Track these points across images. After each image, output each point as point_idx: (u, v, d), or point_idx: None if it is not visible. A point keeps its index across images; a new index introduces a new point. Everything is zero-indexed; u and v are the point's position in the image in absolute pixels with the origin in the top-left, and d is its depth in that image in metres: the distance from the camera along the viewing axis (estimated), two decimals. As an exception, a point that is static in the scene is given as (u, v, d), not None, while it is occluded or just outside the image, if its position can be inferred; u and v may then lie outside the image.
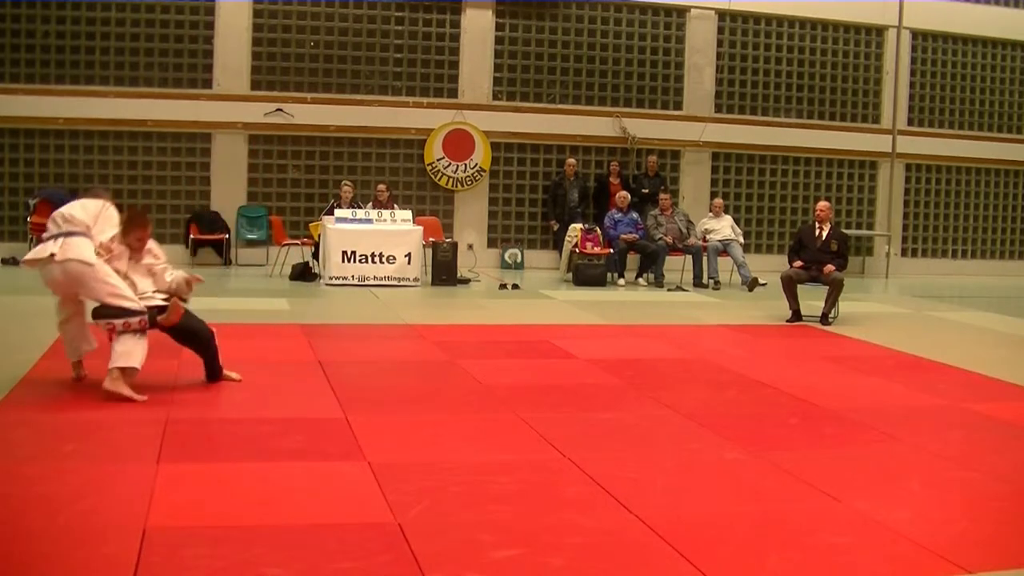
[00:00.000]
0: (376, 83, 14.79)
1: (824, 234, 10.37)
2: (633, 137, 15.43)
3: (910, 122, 16.69)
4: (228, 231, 14.22)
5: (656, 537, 3.84)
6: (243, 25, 14.22)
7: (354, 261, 11.99)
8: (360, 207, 12.80)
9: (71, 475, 4.37)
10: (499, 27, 15.12)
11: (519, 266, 15.08)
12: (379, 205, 13.04)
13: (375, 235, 12.13)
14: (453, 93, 15.01)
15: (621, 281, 13.32)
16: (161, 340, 7.77)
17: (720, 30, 15.83)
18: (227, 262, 14.22)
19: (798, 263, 10.28)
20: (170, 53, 14.06)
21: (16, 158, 13.87)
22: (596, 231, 13.36)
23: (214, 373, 6.32)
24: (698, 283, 13.36)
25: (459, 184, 15.05)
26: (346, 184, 13.03)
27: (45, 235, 5.98)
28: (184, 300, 6.17)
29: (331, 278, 11.97)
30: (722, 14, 15.77)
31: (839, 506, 4.30)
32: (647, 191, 14.59)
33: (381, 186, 13.45)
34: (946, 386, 6.99)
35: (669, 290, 12.84)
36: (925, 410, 6.29)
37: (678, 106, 15.80)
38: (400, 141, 14.92)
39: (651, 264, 13.55)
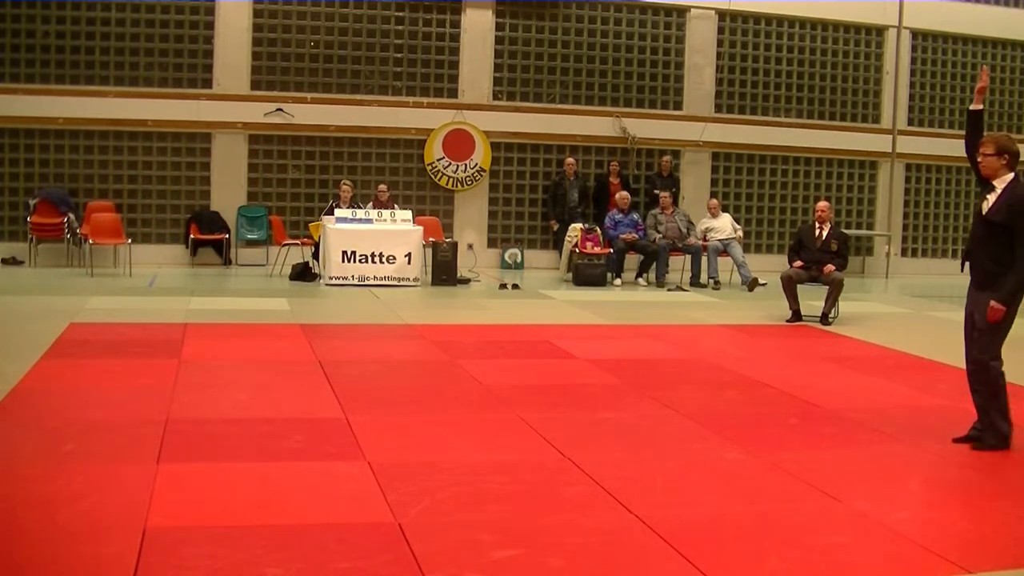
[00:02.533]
0: (376, 83, 14.79)
1: (824, 234, 10.36)
2: (633, 137, 15.43)
3: (910, 122, 16.68)
4: (228, 231, 14.22)
5: (656, 537, 3.84)
6: (243, 25, 14.21)
7: (354, 261, 11.99)
8: (360, 207, 12.80)
9: (71, 475, 4.37)
10: (499, 27, 15.11)
11: (519, 266, 15.08)
12: (379, 205, 13.04)
13: (375, 235, 12.12)
14: (453, 93, 15.01)
15: (618, 281, 13.32)
16: (162, 340, 7.78)
17: (720, 30, 15.82)
18: (227, 262, 14.21)
19: (798, 263, 10.28)
20: (170, 53, 14.06)
21: (16, 158, 13.86)
22: (596, 231, 13.36)
23: None
24: (695, 282, 13.36)
25: (459, 184, 15.05)
26: (345, 184, 13.02)
27: None
28: None
29: (331, 278, 11.97)
30: (722, 14, 15.77)
31: (839, 506, 4.30)
32: (658, 191, 14.56)
33: (382, 186, 13.45)
34: (946, 386, 6.98)
35: (669, 290, 12.84)
36: (925, 410, 6.29)
37: (678, 106, 15.80)
38: (400, 141, 14.91)
39: (651, 264, 13.56)
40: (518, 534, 3.83)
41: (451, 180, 15.00)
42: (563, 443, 5.12)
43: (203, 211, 14.23)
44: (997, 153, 5.20)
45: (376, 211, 12.64)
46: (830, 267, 10.11)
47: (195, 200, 14.33)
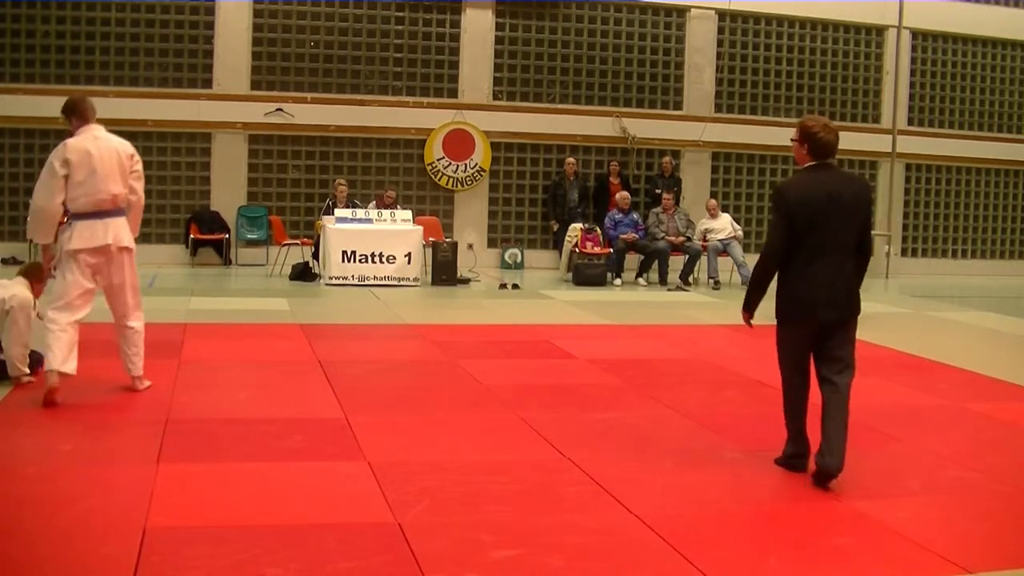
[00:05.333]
0: (376, 83, 14.79)
1: (824, 234, 10.33)
2: (633, 137, 15.43)
3: (910, 122, 16.68)
4: (228, 231, 14.22)
5: (656, 537, 3.84)
6: (243, 25, 14.21)
7: (354, 261, 12.00)
8: (359, 206, 12.80)
9: (71, 475, 4.38)
10: (499, 27, 15.11)
11: (519, 266, 15.08)
12: (383, 205, 13.01)
13: (375, 235, 12.13)
14: (453, 93, 15.01)
15: (617, 281, 13.32)
16: (162, 340, 7.77)
17: (720, 30, 15.82)
18: (227, 262, 14.22)
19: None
20: (170, 53, 14.06)
21: (16, 158, 13.86)
22: (596, 231, 13.36)
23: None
24: (684, 280, 13.30)
25: (459, 184, 15.05)
26: (340, 183, 13.02)
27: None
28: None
29: (331, 278, 11.97)
30: (722, 14, 15.77)
31: (839, 506, 4.30)
32: (659, 191, 14.55)
33: (391, 192, 13.37)
34: (946, 386, 6.98)
35: (669, 290, 12.85)
36: (925, 410, 6.28)
37: (678, 106, 15.80)
38: (400, 141, 14.92)
39: (651, 264, 13.56)
40: (518, 534, 3.83)
41: (451, 180, 15.00)
42: (563, 443, 5.12)
43: (203, 211, 14.23)
44: (796, 135, 4.87)
45: (376, 211, 12.65)
46: (830, 267, 10.09)
47: (195, 200, 14.33)
